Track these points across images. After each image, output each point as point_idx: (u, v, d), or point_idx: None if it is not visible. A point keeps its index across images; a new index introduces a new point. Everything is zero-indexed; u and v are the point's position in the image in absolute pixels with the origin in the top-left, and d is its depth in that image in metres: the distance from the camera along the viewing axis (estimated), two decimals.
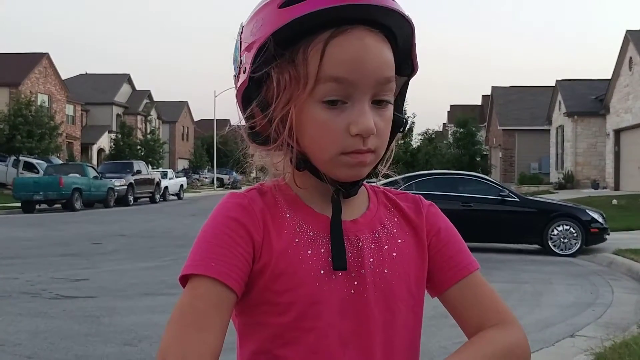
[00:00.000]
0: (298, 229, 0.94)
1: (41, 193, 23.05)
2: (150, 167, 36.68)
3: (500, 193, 12.22)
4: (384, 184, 1.20)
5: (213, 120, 53.37)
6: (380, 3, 0.88)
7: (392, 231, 1.00)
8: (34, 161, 30.94)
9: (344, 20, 0.88)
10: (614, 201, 20.83)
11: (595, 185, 30.10)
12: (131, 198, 28.23)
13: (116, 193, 26.95)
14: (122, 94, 56.30)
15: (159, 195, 31.39)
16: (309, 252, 0.93)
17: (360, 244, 0.96)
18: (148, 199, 30.57)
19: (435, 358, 4.66)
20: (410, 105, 55.27)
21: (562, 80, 36.29)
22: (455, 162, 36.69)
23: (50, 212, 23.46)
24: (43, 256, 11.06)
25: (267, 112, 0.93)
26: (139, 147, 48.11)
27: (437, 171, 16.56)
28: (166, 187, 33.26)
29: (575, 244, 11.60)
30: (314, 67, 0.88)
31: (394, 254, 0.98)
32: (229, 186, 53.23)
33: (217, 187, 52.47)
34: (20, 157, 30.87)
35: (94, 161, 47.65)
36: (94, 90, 53.72)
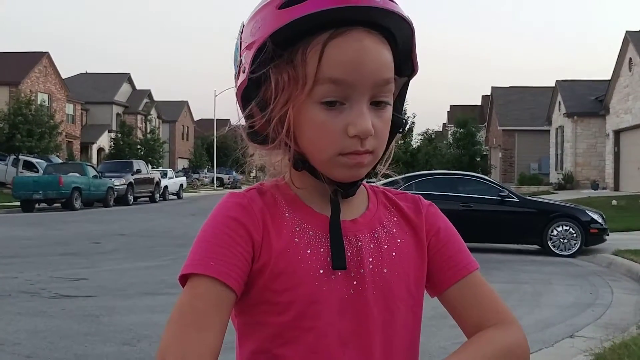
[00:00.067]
0: (297, 229, 0.94)
1: (41, 192, 23.04)
2: (150, 166, 36.69)
3: (500, 193, 12.22)
4: (384, 184, 1.20)
5: (213, 119, 53.35)
6: (379, 5, 0.88)
7: (392, 231, 1.00)
8: (34, 160, 30.93)
9: (343, 21, 0.88)
10: (614, 202, 20.83)
11: (594, 185, 30.11)
12: (131, 197, 28.23)
13: (116, 192, 26.94)
14: (122, 94, 56.30)
15: (158, 195, 31.38)
16: (309, 251, 0.93)
17: (360, 243, 0.96)
18: (148, 199, 30.57)
19: (435, 358, 4.66)
20: (410, 106, 55.40)
21: (562, 80, 36.31)
22: (455, 162, 36.71)
23: (49, 211, 23.46)
24: (42, 255, 11.06)
25: (265, 112, 0.93)
26: (138, 146, 48.10)
27: (436, 171, 16.57)
28: (166, 187, 33.25)
29: (574, 244, 11.60)
30: (312, 68, 0.88)
31: (394, 253, 0.98)
32: (229, 186, 53.22)
33: (216, 186, 52.47)
34: (20, 156, 30.86)
35: (94, 160, 47.65)
36: (94, 89, 53.71)
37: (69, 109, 48.30)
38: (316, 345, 0.91)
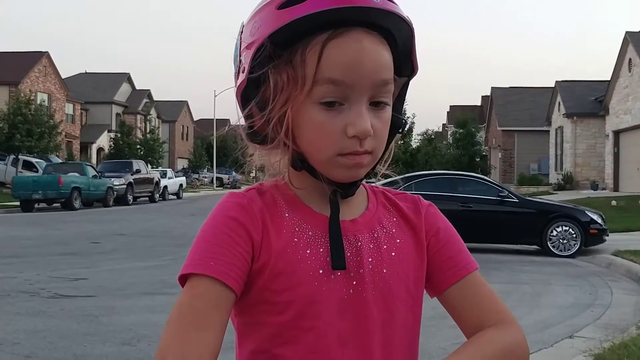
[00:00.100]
0: (297, 229, 0.94)
1: (40, 192, 23.04)
2: (149, 166, 36.66)
3: (500, 194, 12.22)
4: (384, 184, 1.21)
5: (213, 119, 53.35)
6: (379, 5, 0.88)
7: (391, 231, 1.00)
8: (33, 160, 30.92)
9: (342, 22, 0.88)
10: (613, 202, 20.84)
11: (594, 186, 30.12)
12: (130, 197, 28.22)
13: (115, 192, 26.94)
14: (122, 93, 56.29)
15: (158, 195, 31.37)
16: (308, 251, 0.93)
17: (359, 243, 0.96)
18: (147, 198, 30.56)
19: (435, 358, 4.66)
20: (410, 106, 55.37)
21: (562, 81, 36.32)
22: (455, 162, 36.72)
23: (49, 211, 23.45)
24: (42, 255, 11.05)
25: (264, 112, 0.93)
26: (138, 146, 48.10)
27: (436, 172, 16.58)
28: (165, 187, 33.25)
29: (574, 245, 11.61)
30: (311, 69, 0.88)
31: (393, 253, 0.98)
32: (229, 186, 53.23)
33: (216, 186, 52.47)
34: (20, 156, 30.86)
35: (93, 160, 47.64)
36: (94, 89, 53.70)
37: (69, 108, 48.30)
38: (316, 345, 0.91)
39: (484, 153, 44.03)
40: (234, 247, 0.90)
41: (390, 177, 1.06)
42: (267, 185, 0.99)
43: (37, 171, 28.78)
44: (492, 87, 47.25)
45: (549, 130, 38.00)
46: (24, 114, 31.50)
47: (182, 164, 64.04)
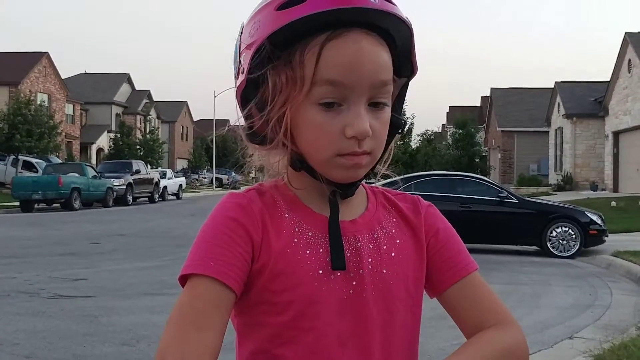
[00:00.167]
0: (297, 229, 0.94)
1: (40, 192, 23.04)
2: (149, 166, 36.66)
3: (499, 194, 12.23)
4: (384, 185, 1.21)
5: (212, 120, 53.35)
6: (377, 6, 0.88)
7: (391, 231, 1.00)
8: (33, 160, 30.92)
9: (341, 23, 0.88)
10: (613, 203, 20.85)
11: (594, 187, 30.12)
12: (130, 198, 28.22)
13: (115, 193, 26.93)
14: (122, 94, 56.29)
15: (157, 195, 31.37)
16: (308, 252, 0.93)
17: (359, 244, 0.96)
18: (147, 199, 30.56)
19: (434, 359, 4.66)
20: (410, 106, 55.43)
21: (561, 82, 36.33)
22: (454, 163, 36.74)
23: (48, 212, 23.45)
24: (41, 255, 11.05)
25: (264, 113, 0.93)
26: (138, 146, 48.09)
27: (436, 172, 16.58)
28: (165, 187, 33.25)
29: (574, 245, 11.61)
30: (310, 70, 0.89)
31: (393, 254, 0.98)
32: (228, 186, 53.23)
33: (216, 187, 52.46)
34: (19, 156, 30.84)
35: (93, 161, 47.64)
36: (94, 89, 53.71)
37: (69, 109, 48.29)
38: (315, 345, 0.91)
39: (484, 154, 44.04)
40: (234, 247, 0.90)
41: (390, 177, 1.06)
42: (266, 185, 0.99)
43: (36, 171, 28.77)
44: (491, 88, 47.26)
45: (548, 131, 38.01)
46: (24, 115, 31.50)
47: (181, 164, 64.04)
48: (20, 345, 5.32)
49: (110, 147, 49.97)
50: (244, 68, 0.93)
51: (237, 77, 0.96)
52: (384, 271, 0.96)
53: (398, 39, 0.93)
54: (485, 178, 14.46)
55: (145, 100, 58.43)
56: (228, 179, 56.05)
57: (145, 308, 6.77)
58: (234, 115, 0.99)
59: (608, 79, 30.41)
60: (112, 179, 27.10)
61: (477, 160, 39.86)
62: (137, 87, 59.49)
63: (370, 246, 0.97)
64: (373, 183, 1.18)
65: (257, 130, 0.96)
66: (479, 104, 61.56)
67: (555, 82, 36.41)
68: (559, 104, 35.25)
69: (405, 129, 1.03)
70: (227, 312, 0.88)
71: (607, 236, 11.92)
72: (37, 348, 5.23)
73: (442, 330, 5.32)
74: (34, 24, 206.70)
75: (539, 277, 9.34)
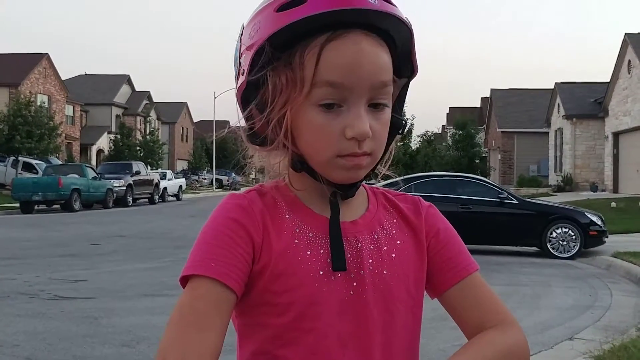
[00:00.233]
0: (297, 230, 0.94)
1: (40, 193, 23.05)
2: (149, 168, 36.68)
3: (499, 195, 12.23)
4: (384, 185, 1.21)
5: (212, 121, 53.36)
6: (377, 7, 0.88)
7: (391, 232, 1.00)
8: (33, 161, 30.93)
9: (341, 24, 0.88)
10: (613, 204, 20.85)
11: (594, 187, 30.13)
12: (130, 199, 28.24)
13: (115, 194, 26.95)
14: (122, 95, 56.31)
15: (157, 196, 31.38)
16: (308, 253, 0.93)
17: (360, 245, 0.96)
18: (147, 200, 30.58)
19: None
20: (410, 107, 55.42)
21: (561, 82, 36.34)
22: (454, 164, 36.72)
23: (48, 213, 23.44)
24: (41, 257, 11.05)
25: (264, 114, 0.93)
26: (138, 148, 48.10)
27: (436, 173, 16.57)
28: (165, 188, 33.27)
29: (574, 246, 11.61)
30: (310, 71, 0.89)
31: (393, 255, 0.98)
32: (228, 187, 53.22)
33: (216, 188, 52.46)
34: (20, 158, 30.86)
35: (93, 162, 47.63)
36: (94, 90, 53.73)
37: (69, 110, 48.31)
38: (316, 346, 0.91)
39: (484, 154, 44.00)
40: (235, 248, 0.90)
41: (391, 178, 1.06)
42: (267, 186, 0.99)
43: (36, 173, 28.80)
44: (491, 89, 47.26)
45: (548, 132, 38.02)
46: (24, 116, 31.52)
47: (181, 165, 64.05)
48: (20, 346, 5.32)
49: (110, 148, 49.98)
50: (244, 69, 0.93)
51: (237, 79, 0.97)
52: (385, 272, 0.96)
53: (398, 39, 0.93)
54: (485, 179, 14.46)
55: (145, 102, 58.45)
56: (228, 180, 56.06)
57: (145, 309, 6.77)
58: (234, 116, 1.00)
59: (608, 80, 30.42)
60: (112, 180, 27.13)
61: (477, 161, 39.84)
62: (137, 88, 59.52)
63: (371, 247, 0.97)
64: (374, 184, 1.18)
65: (258, 132, 0.96)
66: (479, 105, 61.56)
67: (555, 83, 36.42)
68: (558, 104, 35.26)
69: (406, 130, 1.03)
70: (228, 313, 0.88)
71: (607, 237, 11.92)
72: (37, 349, 5.23)
73: (443, 331, 5.32)
74: (34, 24, 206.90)
75: (539, 278, 9.34)
